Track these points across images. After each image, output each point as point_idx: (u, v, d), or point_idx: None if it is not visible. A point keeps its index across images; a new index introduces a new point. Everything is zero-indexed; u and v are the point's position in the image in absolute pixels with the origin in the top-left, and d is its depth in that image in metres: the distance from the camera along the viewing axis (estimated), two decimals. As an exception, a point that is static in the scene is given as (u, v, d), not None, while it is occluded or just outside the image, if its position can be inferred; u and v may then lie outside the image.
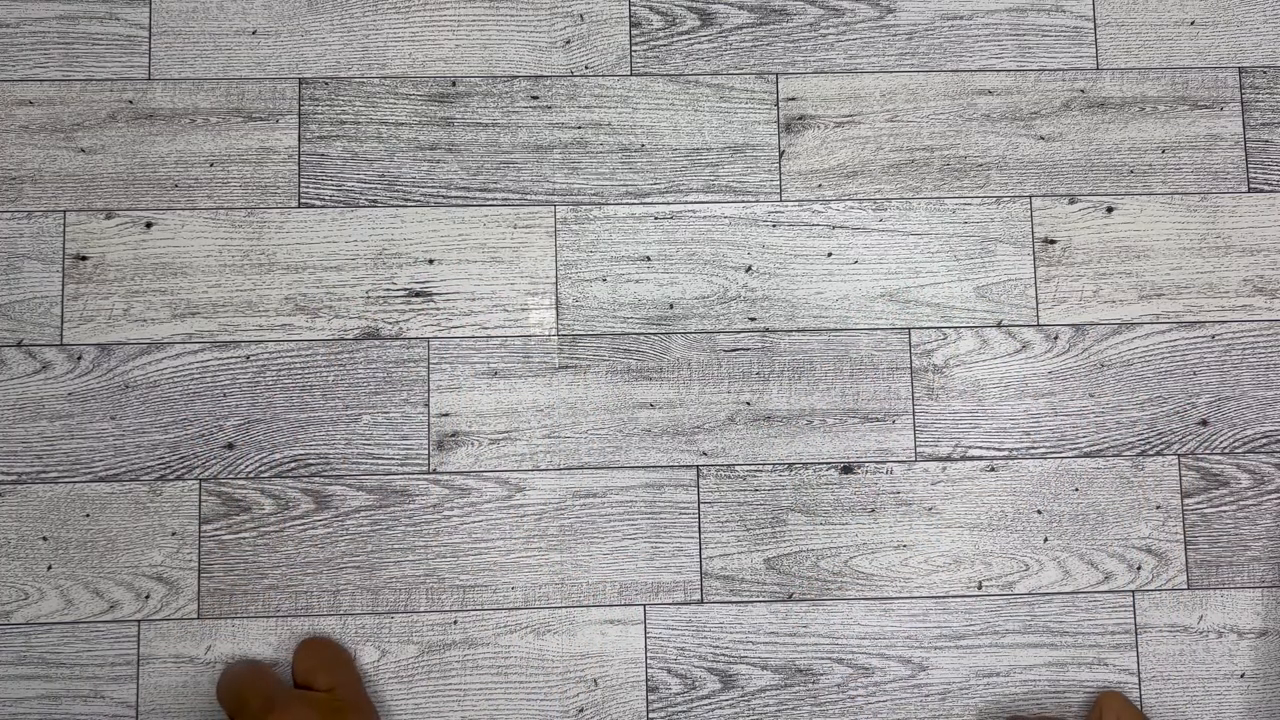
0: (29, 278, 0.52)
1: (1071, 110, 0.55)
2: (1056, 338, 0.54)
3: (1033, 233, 0.55)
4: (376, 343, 0.53)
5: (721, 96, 0.55)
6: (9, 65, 0.54)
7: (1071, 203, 0.55)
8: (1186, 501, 0.54)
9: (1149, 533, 0.53)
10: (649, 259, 0.54)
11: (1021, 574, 0.53)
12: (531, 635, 0.52)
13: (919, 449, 0.53)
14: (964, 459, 0.53)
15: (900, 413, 0.53)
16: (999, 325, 0.54)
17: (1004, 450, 0.54)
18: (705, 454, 0.53)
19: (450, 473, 0.52)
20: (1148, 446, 0.54)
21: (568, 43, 0.55)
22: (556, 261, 0.54)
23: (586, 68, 0.55)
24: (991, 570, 0.53)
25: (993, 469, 0.53)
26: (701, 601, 0.52)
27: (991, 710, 0.51)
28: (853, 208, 0.55)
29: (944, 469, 0.53)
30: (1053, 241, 0.55)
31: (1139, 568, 0.53)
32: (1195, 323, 0.54)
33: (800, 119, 0.55)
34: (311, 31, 0.54)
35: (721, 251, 0.54)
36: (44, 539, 0.51)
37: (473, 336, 0.53)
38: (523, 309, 0.53)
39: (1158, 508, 0.53)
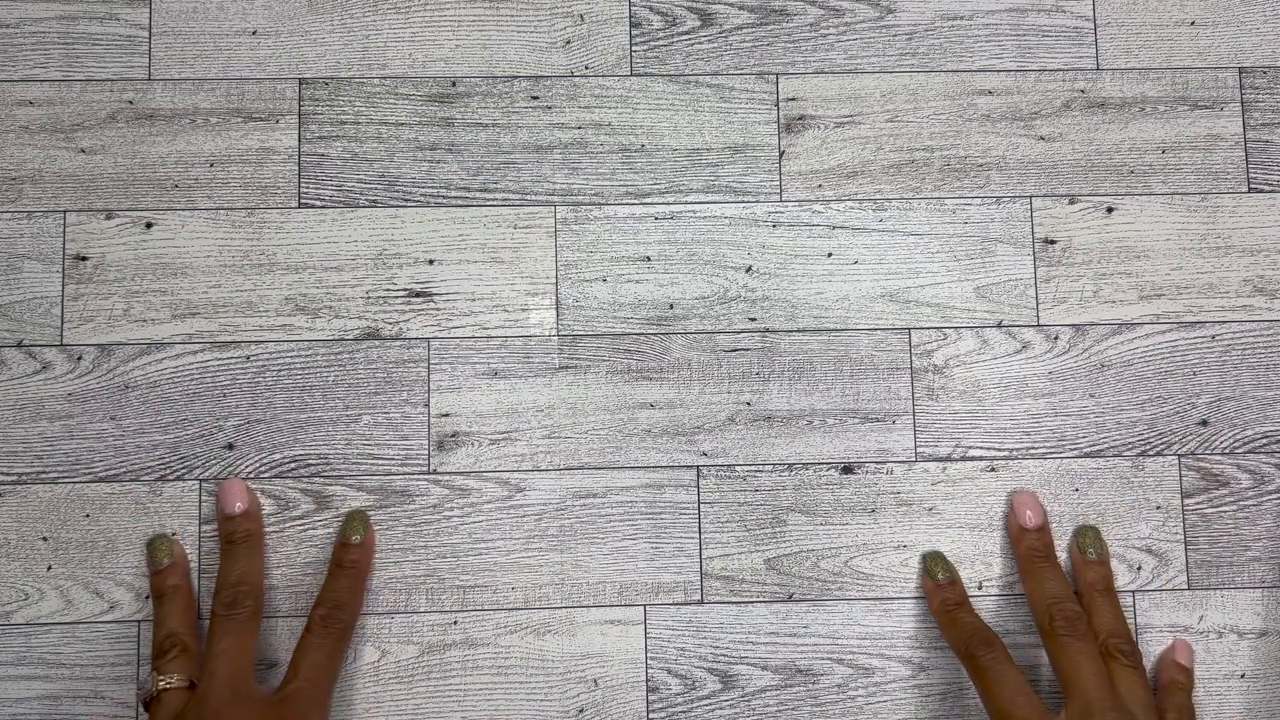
0: (29, 278, 0.52)
1: (1071, 110, 0.55)
2: (1057, 338, 0.54)
3: (1033, 233, 0.55)
4: (376, 343, 0.53)
5: (721, 97, 0.55)
6: (9, 65, 0.54)
7: (1071, 203, 0.55)
8: (1186, 502, 0.54)
9: (1149, 533, 0.53)
10: (649, 259, 0.54)
11: (1022, 574, 0.53)
12: (532, 635, 0.52)
13: (919, 449, 0.53)
14: (964, 459, 0.53)
15: (900, 413, 0.53)
16: (999, 325, 0.54)
17: (1004, 450, 0.54)
18: (705, 454, 0.53)
19: (450, 473, 0.52)
20: (1148, 447, 0.54)
21: (568, 43, 0.55)
22: (556, 262, 0.54)
23: (586, 68, 0.55)
24: (992, 570, 0.53)
25: (993, 469, 0.53)
26: (702, 602, 0.52)
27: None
28: (853, 208, 0.55)
29: (944, 469, 0.53)
30: (1053, 242, 0.55)
31: (1139, 568, 0.53)
32: (1195, 323, 0.54)
33: (800, 119, 0.55)
34: (311, 32, 0.54)
35: (721, 252, 0.54)
36: (44, 539, 0.51)
37: (473, 337, 0.53)
38: (523, 309, 0.53)
39: (1158, 508, 0.53)
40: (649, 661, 0.52)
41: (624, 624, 0.52)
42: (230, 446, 0.52)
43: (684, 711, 0.51)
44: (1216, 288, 0.55)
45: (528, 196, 0.54)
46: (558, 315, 0.53)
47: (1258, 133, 0.56)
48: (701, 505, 0.53)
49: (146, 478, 0.52)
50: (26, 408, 0.52)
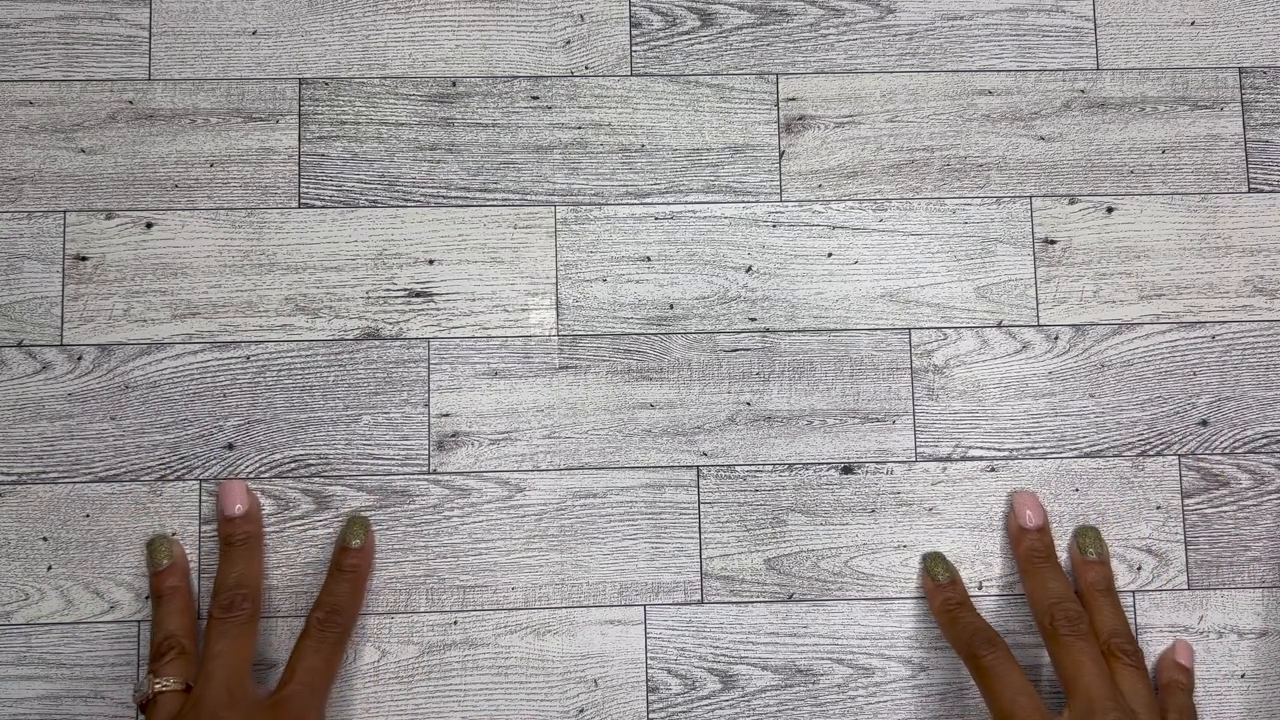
0: (29, 278, 0.52)
1: (1071, 110, 0.55)
2: (1057, 338, 0.54)
3: (1033, 233, 0.55)
4: (376, 343, 0.53)
5: (721, 97, 0.55)
6: (9, 65, 0.54)
7: (1071, 203, 0.55)
8: (1187, 502, 0.54)
9: (1149, 533, 0.53)
10: (649, 259, 0.54)
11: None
12: (532, 635, 0.52)
13: (919, 449, 0.53)
14: (964, 459, 0.53)
15: (900, 413, 0.53)
16: (999, 325, 0.54)
17: (1004, 450, 0.54)
18: (705, 454, 0.53)
19: (450, 473, 0.52)
20: (1148, 447, 0.54)
21: (568, 43, 0.55)
22: (557, 262, 0.54)
23: (586, 68, 0.55)
24: (992, 570, 0.53)
25: (993, 469, 0.53)
26: (702, 602, 0.52)
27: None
28: (853, 208, 0.55)
29: (944, 469, 0.53)
30: (1053, 242, 0.55)
31: (1139, 568, 0.53)
32: (1195, 323, 0.54)
33: (800, 119, 0.55)
34: (311, 31, 0.54)
35: (721, 252, 0.54)
36: (44, 539, 0.51)
37: (473, 337, 0.53)
38: (523, 309, 0.53)
39: (1158, 508, 0.53)
40: (649, 661, 0.52)
41: (624, 624, 0.52)
42: (230, 446, 0.52)
43: (684, 711, 0.51)
44: (1216, 288, 0.55)
45: (528, 196, 0.54)
46: (558, 315, 0.53)
47: (1258, 133, 0.56)
48: (701, 505, 0.53)
49: (146, 478, 0.52)
50: (26, 408, 0.52)
